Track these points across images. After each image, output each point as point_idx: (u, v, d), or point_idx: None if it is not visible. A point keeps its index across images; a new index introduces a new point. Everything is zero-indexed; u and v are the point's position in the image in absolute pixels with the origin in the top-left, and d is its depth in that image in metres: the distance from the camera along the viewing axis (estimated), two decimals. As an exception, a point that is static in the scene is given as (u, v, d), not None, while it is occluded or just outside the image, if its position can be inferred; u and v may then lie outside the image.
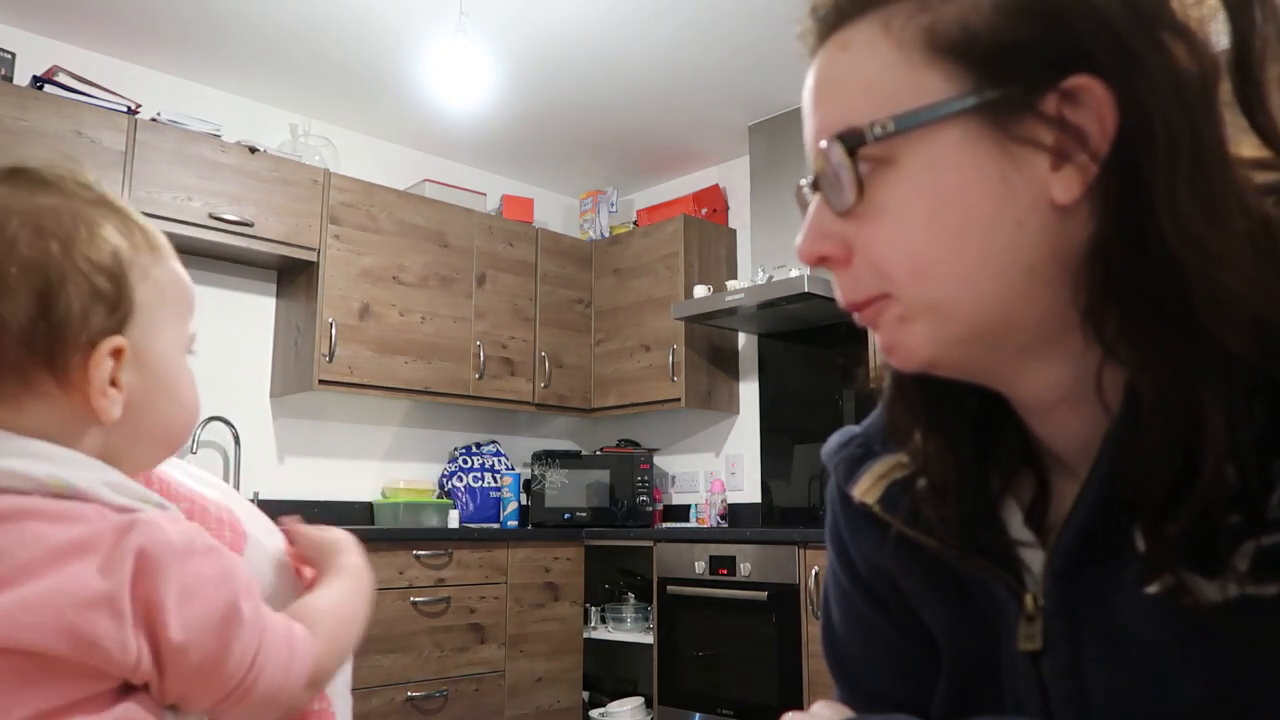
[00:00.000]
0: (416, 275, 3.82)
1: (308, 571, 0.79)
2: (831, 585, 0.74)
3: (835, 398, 3.85)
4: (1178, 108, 0.49)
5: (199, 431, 3.50)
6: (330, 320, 3.54)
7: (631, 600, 3.96)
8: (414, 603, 3.31)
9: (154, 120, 3.26)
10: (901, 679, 0.69)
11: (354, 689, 0.81)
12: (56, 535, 0.56)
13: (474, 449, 4.25)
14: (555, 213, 4.76)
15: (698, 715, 3.38)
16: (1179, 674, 0.52)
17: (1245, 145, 0.52)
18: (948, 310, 0.53)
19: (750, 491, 4.16)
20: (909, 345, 0.56)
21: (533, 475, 4.14)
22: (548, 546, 3.75)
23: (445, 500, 4.01)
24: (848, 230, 0.55)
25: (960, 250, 0.52)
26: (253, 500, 2.47)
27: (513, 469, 4.26)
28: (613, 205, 4.57)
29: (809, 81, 0.57)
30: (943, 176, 0.52)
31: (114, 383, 0.63)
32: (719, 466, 4.28)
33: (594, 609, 3.94)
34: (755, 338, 4.19)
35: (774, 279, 3.60)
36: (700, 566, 3.44)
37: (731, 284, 3.85)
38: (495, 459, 4.27)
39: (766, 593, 3.19)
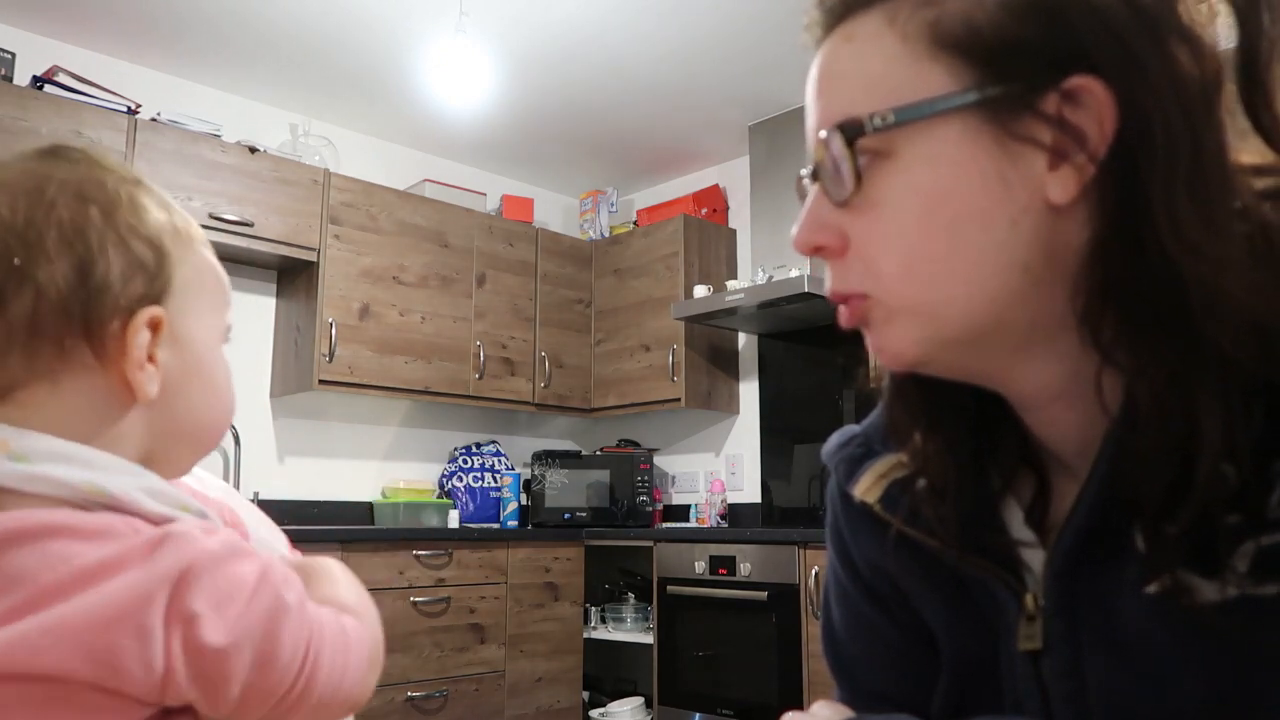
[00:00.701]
0: (416, 275, 3.82)
1: None
2: (832, 585, 0.74)
3: (835, 398, 3.85)
4: (1178, 111, 0.49)
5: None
6: (330, 320, 3.54)
7: (631, 600, 3.96)
8: (414, 603, 3.31)
9: (154, 120, 3.26)
10: (902, 679, 0.69)
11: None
12: (84, 555, 0.53)
13: (474, 449, 4.25)
14: (555, 213, 4.76)
15: (698, 715, 3.38)
16: (1179, 674, 0.52)
17: (1245, 151, 0.52)
18: (934, 311, 0.54)
19: (750, 491, 4.16)
20: (896, 345, 0.56)
21: (533, 475, 4.14)
22: (548, 546, 3.74)
23: (445, 500, 4.01)
24: (844, 221, 0.55)
25: (953, 246, 0.52)
26: (253, 500, 2.47)
27: (513, 469, 4.26)
28: (613, 205, 4.57)
29: (813, 72, 0.58)
30: (940, 171, 0.52)
31: (151, 359, 0.61)
32: (719, 466, 4.28)
33: (594, 609, 3.94)
34: (755, 338, 4.19)
35: (774, 279, 3.60)
36: (700, 566, 3.44)
37: (731, 284, 3.85)
38: (495, 459, 4.27)
39: (766, 593, 3.19)
